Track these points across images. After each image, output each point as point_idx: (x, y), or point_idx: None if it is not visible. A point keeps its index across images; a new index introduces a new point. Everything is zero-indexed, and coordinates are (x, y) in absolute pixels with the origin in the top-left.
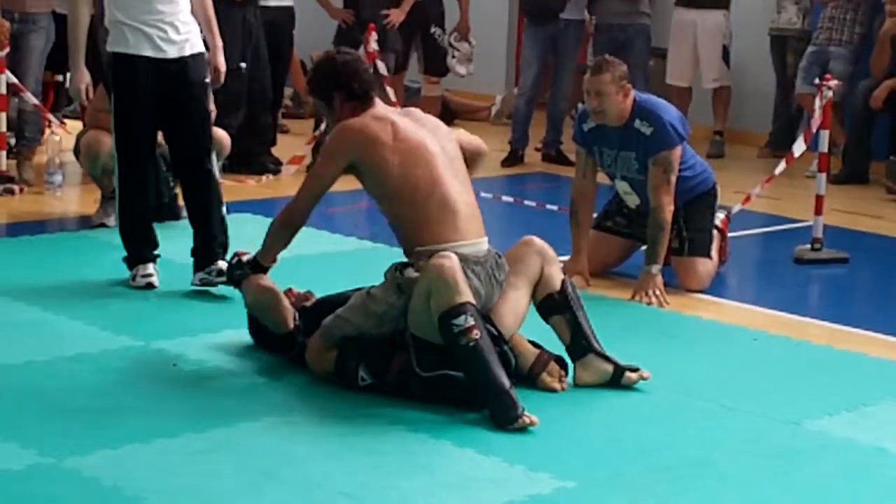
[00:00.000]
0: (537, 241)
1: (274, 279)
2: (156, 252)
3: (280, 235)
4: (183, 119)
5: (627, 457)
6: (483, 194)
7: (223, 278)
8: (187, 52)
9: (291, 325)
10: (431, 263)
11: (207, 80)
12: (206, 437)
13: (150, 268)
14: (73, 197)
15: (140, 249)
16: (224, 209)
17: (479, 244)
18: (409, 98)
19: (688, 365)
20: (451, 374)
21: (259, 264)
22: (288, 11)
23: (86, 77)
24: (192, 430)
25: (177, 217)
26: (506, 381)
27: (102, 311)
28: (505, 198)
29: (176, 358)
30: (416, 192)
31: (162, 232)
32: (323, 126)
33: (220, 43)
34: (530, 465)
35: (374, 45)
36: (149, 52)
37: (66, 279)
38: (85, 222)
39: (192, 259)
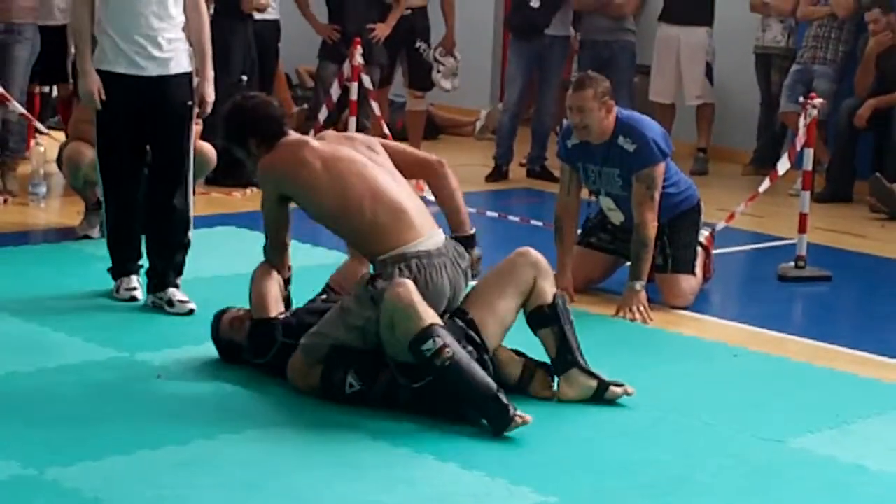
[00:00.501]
0: (533, 252)
1: (240, 293)
2: (140, 264)
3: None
4: (159, 140)
5: (609, 472)
6: (468, 209)
7: (171, 308)
8: (171, 71)
9: (272, 314)
10: (386, 295)
11: (190, 102)
12: (188, 449)
13: (134, 281)
14: (57, 208)
15: (125, 263)
16: (188, 236)
17: (436, 236)
18: (393, 112)
19: (670, 381)
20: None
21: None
22: (274, 25)
23: (96, 80)
24: (175, 441)
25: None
26: (492, 385)
27: (86, 322)
28: (489, 213)
29: (160, 369)
30: (358, 203)
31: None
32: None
33: (211, 74)
34: (512, 479)
35: (359, 59)
36: (125, 70)
37: (50, 290)
38: (69, 233)
39: (149, 279)
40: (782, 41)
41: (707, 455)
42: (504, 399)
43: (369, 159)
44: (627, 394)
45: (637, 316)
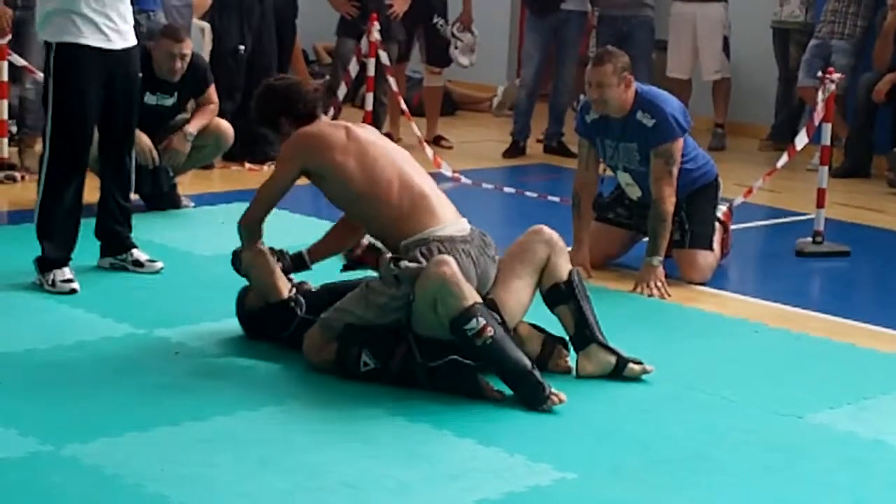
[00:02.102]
0: (546, 230)
1: None
2: (133, 257)
3: (247, 232)
4: (116, 111)
5: (628, 448)
6: (485, 185)
7: (140, 268)
8: (130, 44)
9: (285, 294)
10: (432, 272)
11: (140, 74)
12: (206, 426)
13: (68, 272)
14: None
15: (59, 250)
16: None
17: (461, 224)
18: (411, 88)
19: (689, 357)
20: (458, 360)
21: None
22: (291, 1)
23: None
24: (193, 418)
25: (177, 205)
26: (527, 363)
27: (104, 298)
28: (507, 189)
29: (177, 346)
30: (387, 188)
31: (163, 220)
32: (330, 116)
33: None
34: (531, 455)
35: (376, 35)
36: (97, 42)
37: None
38: (86, 209)
39: (100, 243)
40: (800, 16)
41: (726, 431)
42: (539, 377)
43: (395, 148)
44: (646, 372)
45: (655, 292)
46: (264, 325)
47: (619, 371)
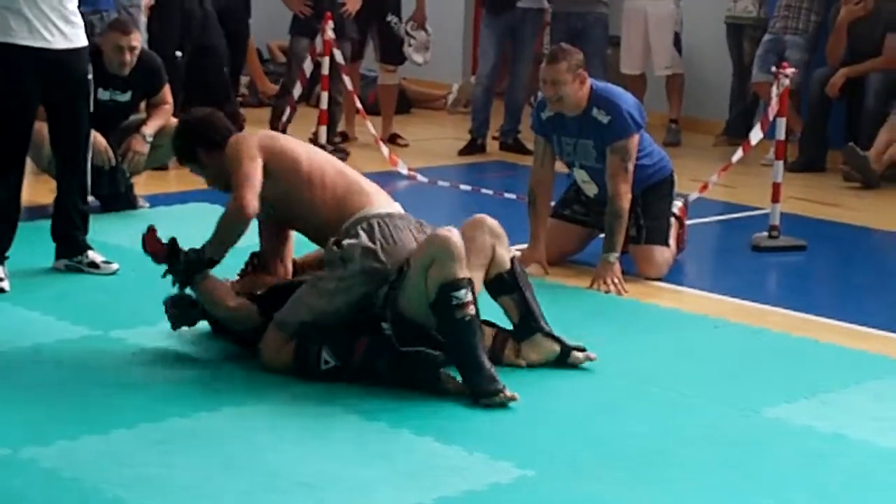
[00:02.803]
0: (488, 220)
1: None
2: (6, 254)
3: (235, 229)
4: (66, 113)
5: (588, 445)
6: (440, 182)
7: (95, 270)
8: (75, 44)
9: (231, 303)
10: (438, 234)
11: (90, 76)
12: (163, 428)
13: (0, 271)
14: (27, 186)
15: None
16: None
17: (395, 206)
18: (365, 87)
19: (647, 353)
20: (426, 352)
21: (209, 260)
22: (244, 0)
23: None
24: (150, 420)
25: (134, 206)
26: (487, 363)
27: (60, 300)
28: (462, 186)
29: (134, 348)
30: (320, 176)
31: (118, 221)
32: (286, 116)
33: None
34: (491, 453)
35: (330, 34)
36: (34, 42)
37: (22, 269)
38: (38, 212)
39: (56, 245)
40: (754, 11)
41: (684, 427)
42: (496, 374)
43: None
44: (590, 359)
45: (612, 288)
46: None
47: (564, 358)
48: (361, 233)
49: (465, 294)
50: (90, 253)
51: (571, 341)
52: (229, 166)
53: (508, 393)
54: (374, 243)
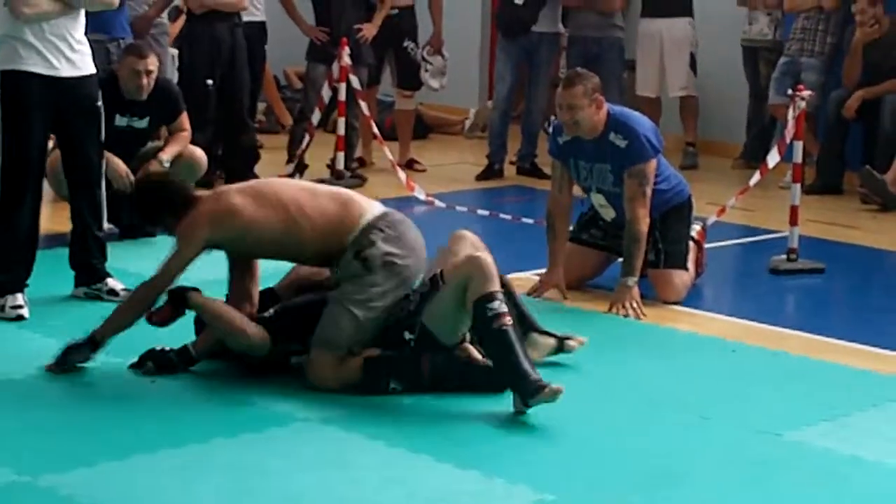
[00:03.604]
0: (469, 234)
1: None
2: (27, 281)
3: (136, 309)
4: (76, 142)
5: (606, 468)
6: (458, 207)
7: (115, 297)
8: (83, 72)
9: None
10: (473, 256)
11: (99, 103)
12: (182, 453)
13: (20, 298)
14: (46, 215)
15: (11, 278)
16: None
17: (374, 207)
18: (382, 112)
19: (665, 376)
20: (488, 364)
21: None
22: (260, 26)
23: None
24: (169, 445)
25: (153, 234)
26: (532, 371)
27: (79, 327)
28: (480, 211)
29: (153, 374)
30: (301, 207)
31: (137, 249)
32: (304, 144)
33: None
34: (509, 478)
35: (346, 60)
36: (42, 70)
37: (41, 296)
38: (58, 239)
39: (74, 273)
40: (769, 34)
41: (703, 449)
42: (540, 378)
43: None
44: (581, 343)
45: (630, 312)
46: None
47: (560, 348)
48: (378, 241)
49: (499, 305)
50: (109, 281)
51: (560, 332)
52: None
53: (551, 390)
54: (391, 245)
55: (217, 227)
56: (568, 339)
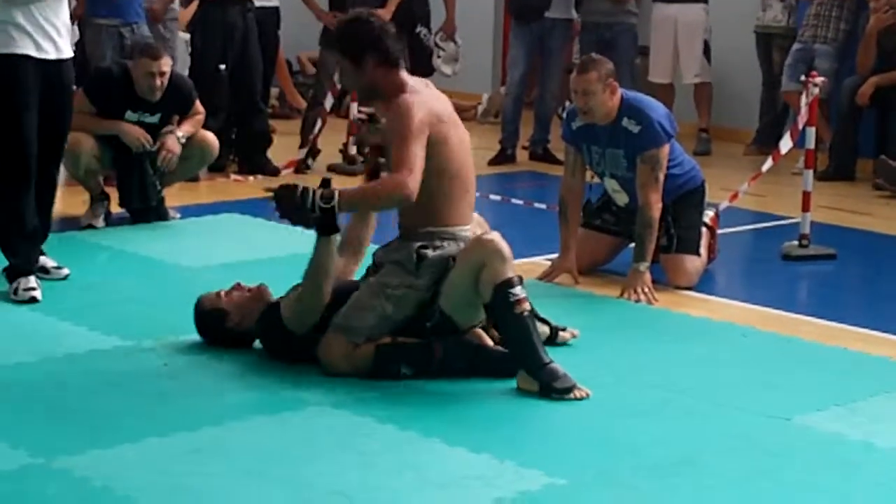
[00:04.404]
0: (475, 214)
1: (245, 280)
2: (39, 264)
3: (383, 202)
4: (53, 123)
5: (617, 454)
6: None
7: (46, 275)
8: (66, 55)
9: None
10: (484, 238)
11: (75, 87)
12: (196, 437)
13: (32, 280)
14: (58, 198)
15: (21, 261)
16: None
17: (471, 227)
18: None
19: (677, 362)
20: (500, 350)
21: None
22: (274, 12)
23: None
24: (183, 429)
25: (165, 218)
26: (548, 357)
27: (92, 311)
28: (493, 196)
29: (166, 357)
30: (453, 171)
31: (150, 232)
32: (316, 129)
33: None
34: (521, 461)
35: None
36: (33, 52)
37: (54, 280)
38: (72, 223)
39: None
40: (783, 20)
41: (715, 435)
42: (559, 368)
43: (464, 131)
44: (574, 336)
45: (642, 297)
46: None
47: (553, 338)
48: (451, 250)
49: (520, 291)
50: (41, 258)
51: (556, 322)
52: (394, 126)
53: (581, 390)
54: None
55: (432, 124)
56: (562, 329)
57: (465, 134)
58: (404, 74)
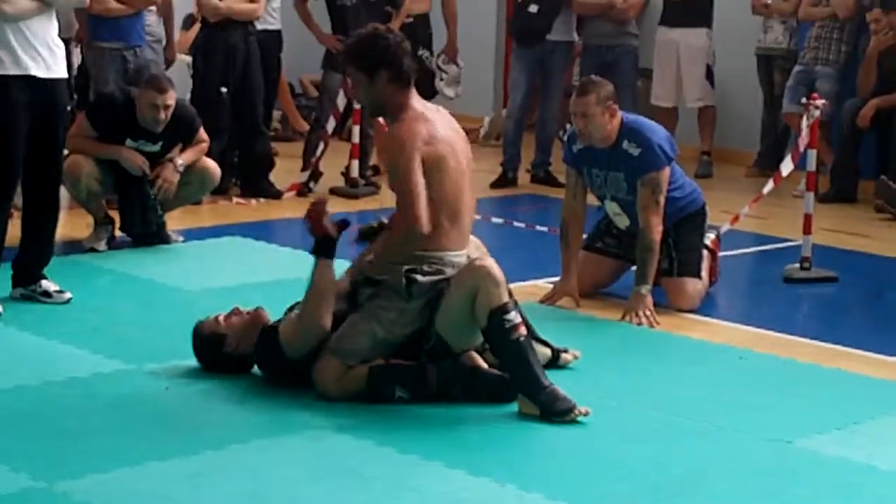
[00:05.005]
0: (473, 238)
1: (247, 304)
2: (42, 288)
3: (406, 245)
4: (46, 143)
5: (618, 477)
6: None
7: (48, 299)
8: (57, 75)
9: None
10: (477, 265)
11: (68, 108)
12: (196, 460)
13: None
14: (62, 221)
15: None
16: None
17: (465, 253)
18: None
19: (678, 385)
20: (495, 373)
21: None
22: (276, 35)
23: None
24: (183, 453)
25: (167, 241)
26: (547, 380)
27: (94, 334)
28: (494, 219)
29: (167, 381)
30: (438, 199)
31: (152, 256)
32: (319, 152)
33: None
34: (521, 484)
35: None
36: (20, 71)
37: (56, 304)
38: (74, 246)
39: (13, 273)
40: (784, 42)
41: (716, 457)
42: (558, 390)
43: (467, 158)
44: (576, 357)
45: (644, 320)
46: (220, 346)
47: (555, 361)
48: (435, 276)
49: (514, 316)
50: (44, 282)
51: (557, 344)
52: (391, 159)
53: (581, 409)
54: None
55: (425, 145)
56: (563, 351)
57: (467, 159)
58: (414, 95)
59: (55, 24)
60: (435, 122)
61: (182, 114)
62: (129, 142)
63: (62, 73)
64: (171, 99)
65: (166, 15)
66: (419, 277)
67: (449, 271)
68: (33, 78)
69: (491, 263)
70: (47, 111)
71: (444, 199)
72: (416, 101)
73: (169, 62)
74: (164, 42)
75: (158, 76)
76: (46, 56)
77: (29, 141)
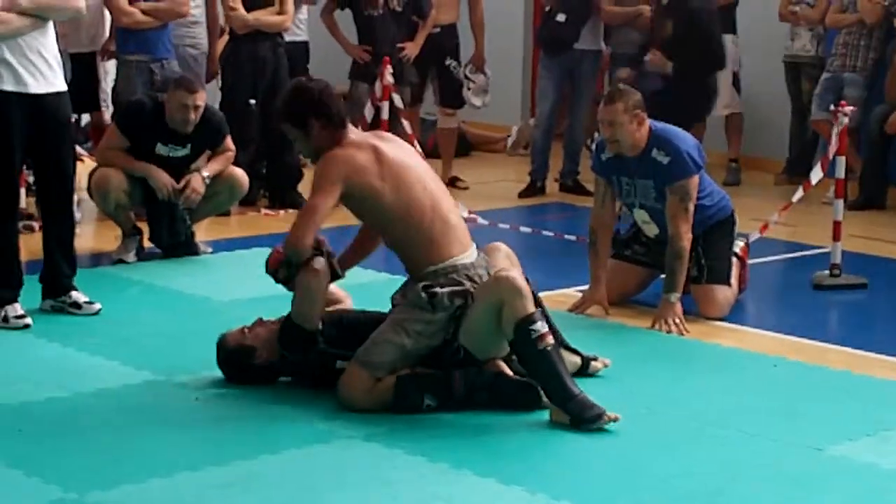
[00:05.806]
0: (503, 246)
1: (276, 314)
2: (71, 299)
3: (298, 256)
4: (52, 156)
5: (648, 485)
6: (500, 225)
7: (78, 310)
8: (56, 89)
9: (318, 325)
10: (501, 276)
11: (72, 119)
12: (227, 471)
13: (19, 308)
14: (90, 233)
15: (6, 289)
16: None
17: (473, 251)
18: (425, 131)
19: (708, 392)
20: (520, 379)
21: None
22: (303, 46)
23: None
24: (214, 463)
25: (195, 252)
26: (576, 388)
27: (123, 346)
28: (523, 228)
29: (197, 392)
30: (419, 214)
31: (180, 267)
32: None
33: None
34: (553, 493)
35: (389, 79)
36: (17, 87)
37: (86, 315)
38: (102, 258)
39: (42, 285)
40: (811, 49)
41: (745, 466)
42: (588, 397)
43: (425, 168)
44: (606, 365)
45: (673, 328)
46: (248, 357)
47: (585, 369)
48: (452, 284)
49: (541, 326)
50: (73, 294)
51: (587, 352)
52: (314, 179)
53: (610, 415)
54: (460, 298)
55: (351, 178)
56: (593, 359)
57: (426, 169)
58: (352, 131)
59: (52, 37)
60: (379, 147)
61: (210, 118)
62: (159, 146)
63: (61, 86)
64: (200, 99)
65: (211, 28)
66: (438, 290)
67: (463, 276)
68: (30, 94)
69: (515, 275)
70: (49, 125)
71: (423, 211)
72: (354, 134)
73: (211, 76)
74: (206, 53)
75: (188, 77)
76: (45, 70)
77: (35, 155)
